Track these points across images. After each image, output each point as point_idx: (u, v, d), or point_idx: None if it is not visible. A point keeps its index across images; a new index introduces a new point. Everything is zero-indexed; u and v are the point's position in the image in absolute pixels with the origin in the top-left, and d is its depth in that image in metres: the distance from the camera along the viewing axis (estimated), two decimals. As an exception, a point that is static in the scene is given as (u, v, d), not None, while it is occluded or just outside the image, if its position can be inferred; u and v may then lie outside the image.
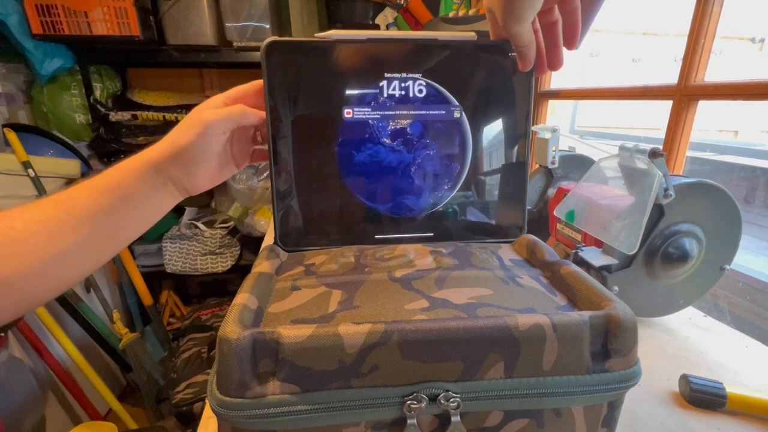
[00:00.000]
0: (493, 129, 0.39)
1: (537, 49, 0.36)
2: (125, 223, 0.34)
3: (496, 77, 0.38)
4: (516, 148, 0.40)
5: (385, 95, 0.37)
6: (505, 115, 0.39)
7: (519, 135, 0.40)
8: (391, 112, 0.38)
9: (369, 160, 0.38)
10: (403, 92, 0.38)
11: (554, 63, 0.38)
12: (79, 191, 0.32)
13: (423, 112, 0.38)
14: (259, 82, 0.37)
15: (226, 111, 0.36)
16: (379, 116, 0.38)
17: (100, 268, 0.36)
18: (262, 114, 0.37)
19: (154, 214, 0.36)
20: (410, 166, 0.39)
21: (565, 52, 0.38)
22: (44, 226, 0.30)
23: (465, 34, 0.37)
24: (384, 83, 0.37)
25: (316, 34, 0.35)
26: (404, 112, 0.38)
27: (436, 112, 0.38)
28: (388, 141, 0.38)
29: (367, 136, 0.38)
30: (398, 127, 0.38)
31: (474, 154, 0.40)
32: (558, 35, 0.36)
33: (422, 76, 0.37)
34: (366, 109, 0.37)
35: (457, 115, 0.39)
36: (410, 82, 0.37)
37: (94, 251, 0.33)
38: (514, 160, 0.40)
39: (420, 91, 0.38)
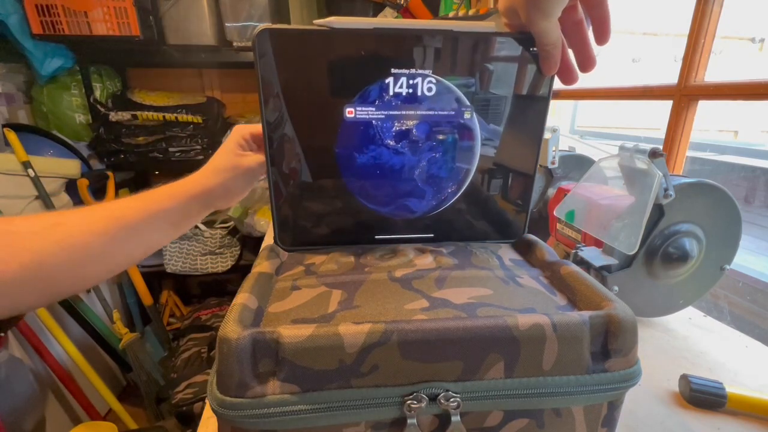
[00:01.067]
0: (505, 131, 0.36)
1: (562, 54, 0.33)
2: (162, 237, 0.41)
3: (514, 76, 0.35)
4: (526, 156, 0.37)
5: (391, 93, 0.34)
6: (519, 121, 0.36)
7: (531, 143, 0.37)
8: (396, 112, 0.34)
9: (371, 162, 0.36)
10: (410, 90, 0.34)
11: (587, 63, 0.34)
12: (133, 209, 0.38)
13: (431, 113, 0.35)
14: None
15: (261, 157, 0.42)
16: (383, 116, 0.35)
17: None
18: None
19: (186, 230, 0.43)
20: (414, 169, 0.37)
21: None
22: (101, 238, 0.36)
23: (484, 25, 0.33)
24: (390, 80, 0.33)
25: (315, 21, 0.31)
26: (411, 113, 0.35)
27: (446, 112, 0.35)
28: (392, 143, 0.36)
29: (369, 137, 0.35)
30: (404, 128, 0.35)
31: (482, 159, 0.37)
32: (585, 33, 0.33)
33: (432, 73, 0.34)
34: (370, 109, 0.34)
35: (467, 116, 0.35)
36: (419, 79, 0.34)
37: (131, 257, 0.39)
38: (522, 169, 0.38)
39: (429, 89, 0.34)
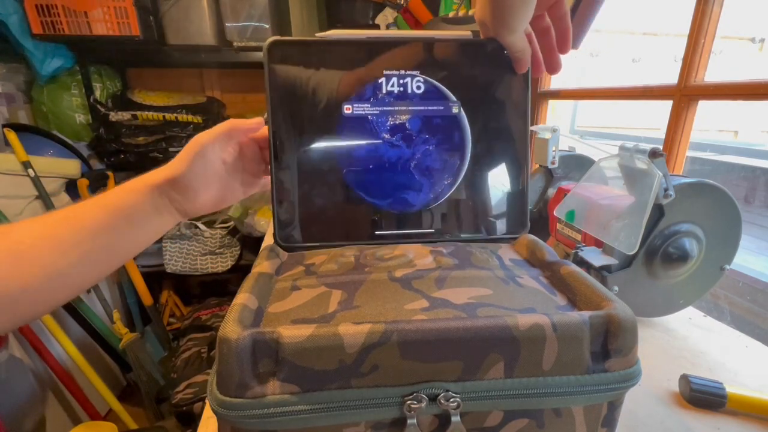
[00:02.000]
0: (492, 125, 0.40)
1: (533, 51, 0.37)
2: (127, 240, 0.35)
3: (492, 74, 0.39)
4: (515, 145, 0.40)
5: (384, 91, 0.38)
6: (504, 112, 0.40)
7: (518, 132, 0.40)
8: (390, 108, 0.38)
9: (368, 156, 0.39)
10: (401, 88, 0.38)
11: (552, 67, 0.39)
12: (86, 209, 0.33)
13: (422, 108, 0.39)
14: (259, 120, 0.40)
15: (216, 128, 0.38)
16: (378, 112, 0.38)
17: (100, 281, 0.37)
18: (251, 124, 0.39)
19: (155, 232, 0.37)
20: (410, 162, 0.39)
21: (565, 55, 0.38)
22: (51, 242, 0.31)
23: (461, 33, 0.38)
24: (383, 80, 0.38)
25: (316, 34, 0.36)
26: (403, 108, 0.39)
27: (435, 107, 0.39)
28: (387, 136, 0.39)
29: (366, 131, 0.39)
30: (397, 122, 0.39)
31: (474, 150, 0.40)
32: (552, 40, 0.38)
33: (420, 74, 0.38)
34: (365, 105, 0.38)
35: (455, 110, 0.39)
36: (408, 79, 0.38)
37: (95, 267, 0.34)
38: (514, 158, 0.40)
39: (418, 87, 0.38)
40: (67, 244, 0.31)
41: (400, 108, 0.38)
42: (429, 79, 0.38)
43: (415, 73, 0.38)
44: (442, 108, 0.39)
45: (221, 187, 0.40)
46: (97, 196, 0.35)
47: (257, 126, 0.40)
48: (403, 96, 0.38)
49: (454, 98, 0.39)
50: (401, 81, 0.38)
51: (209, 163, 0.38)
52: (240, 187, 0.42)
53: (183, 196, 0.37)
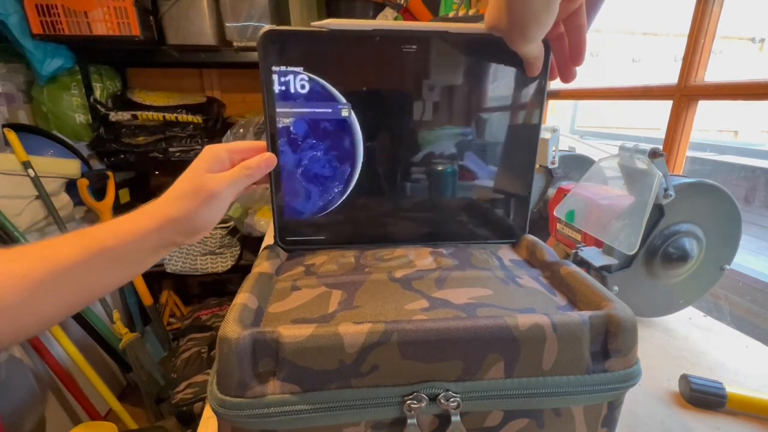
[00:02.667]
0: (502, 126, 0.38)
1: (550, 58, 0.35)
2: (110, 281, 0.32)
3: (506, 72, 0.37)
4: (524, 146, 0.39)
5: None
6: (515, 113, 0.38)
7: (528, 133, 0.38)
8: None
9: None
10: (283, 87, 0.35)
11: (566, 77, 0.36)
12: (67, 246, 0.30)
13: (308, 110, 0.35)
14: (262, 144, 0.36)
15: (231, 176, 0.34)
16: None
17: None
18: (262, 163, 0.35)
19: (143, 269, 0.34)
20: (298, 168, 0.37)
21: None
22: (23, 283, 0.28)
23: (475, 26, 0.35)
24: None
25: (312, 23, 0.33)
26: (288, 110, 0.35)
27: (322, 110, 0.35)
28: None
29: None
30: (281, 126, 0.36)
31: (481, 157, 0.39)
32: (566, 49, 0.35)
33: (303, 71, 0.35)
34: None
35: (345, 113, 0.36)
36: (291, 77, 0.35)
37: (68, 305, 0.31)
38: (521, 159, 0.39)
39: (302, 86, 0.35)
40: (42, 286, 0.28)
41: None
42: (314, 77, 0.34)
43: (298, 69, 0.34)
44: (330, 111, 0.35)
45: (210, 217, 0.35)
46: (81, 231, 0.31)
47: (271, 165, 0.36)
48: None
49: (344, 100, 0.35)
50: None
51: (219, 208, 0.34)
52: (218, 209, 0.36)
53: (189, 237, 0.34)
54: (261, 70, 0.34)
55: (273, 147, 0.36)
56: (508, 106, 0.38)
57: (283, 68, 0.34)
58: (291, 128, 0.35)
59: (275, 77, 0.34)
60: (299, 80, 0.34)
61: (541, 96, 0.37)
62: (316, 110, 0.35)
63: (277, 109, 0.35)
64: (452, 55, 0.36)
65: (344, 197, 0.38)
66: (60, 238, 0.31)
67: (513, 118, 0.38)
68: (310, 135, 0.36)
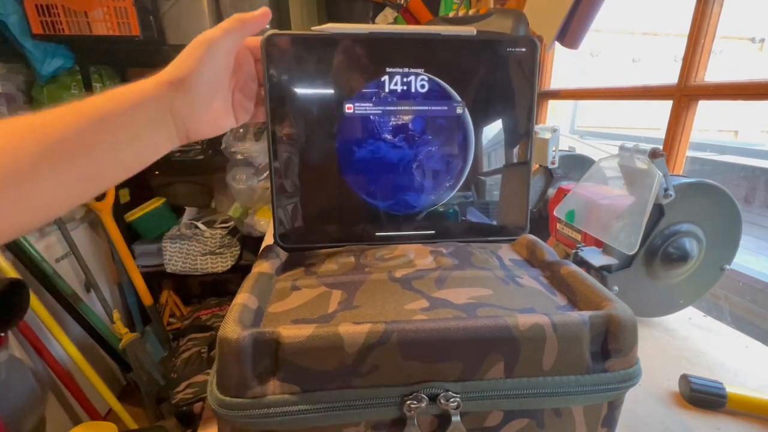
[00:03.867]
0: (496, 126, 0.39)
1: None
2: (109, 162, 0.28)
3: (497, 73, 0.38)
4: (519, 146, 0.39)
5: (387, 90, 0.37)
6: (507, 113, 0.39)
7: (521, 133, 0.39)
8: (393, 108, 0.37)
9: (370, 157, 0.38)
10: (405, 87, 0.37)
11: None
12: (58, 117, 0.26)
13: (425, 108, 0.38)
14: (265, 11, 0.34)
15: (225, 24, 0.32)
16: (380, 111, 0.37)
17: (69, 211, 0.31)
18: (258, 16, 0.33)
19: (144, 156, 0.30)
20: (412, 163, 0.38)
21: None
22: (6, 157, 0.24)
23: (465, 29, 0.36)
24: (386, 78, 0.37)
25: (312, 28, 0.34)
26: (406, 108, 0.37)
27: (438, 107, 0.38)
28: (389, 137, 0.38)
29: (367, 131, 0.37)
30: (400, 123, 0.38)
31: (476, 152, 0.39)
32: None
33: (424, 71, 0.37)
34: (367, 104, 0.37)
35: (459, 111, 0.38)
36: (412, 77, 0.37)
37: (64, 192, 0.27)
38: (516, 159, 0.40)
39: (422, 86, 0.37)
40: (32, 159, 0.24)
41: (403, 108, 0.37)
42: (433, 77, 0.37)
43: (419, 71, 0.37)
44: (446, 108, 0.38)
45: (222, 99, 0.34)
46: (73, 102, 0.27)
47: (265, 18, 0.33)
48: (406, 95, 0.37)
49: (458, 98, 0.38)
50: (405, 79, 0.37)
51: (217, 66, 0.32)
52: (235, 108, 0.36)
53: (188, 104, 0.31)
54: (263, 70, 0.35)
55: (273, 146, 0.36)
56: (503, 105, 0.39)
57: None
58: (409, 125, 0.38)
59: (398, 78, 0.37)
60: (419, 80, 0.37)
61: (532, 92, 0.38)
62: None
63: (397, 107, 0.37)
64: (451, 54, 0.37)
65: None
66: (53, 109, 0.26)
67: (507, 117, 0.39)
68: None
